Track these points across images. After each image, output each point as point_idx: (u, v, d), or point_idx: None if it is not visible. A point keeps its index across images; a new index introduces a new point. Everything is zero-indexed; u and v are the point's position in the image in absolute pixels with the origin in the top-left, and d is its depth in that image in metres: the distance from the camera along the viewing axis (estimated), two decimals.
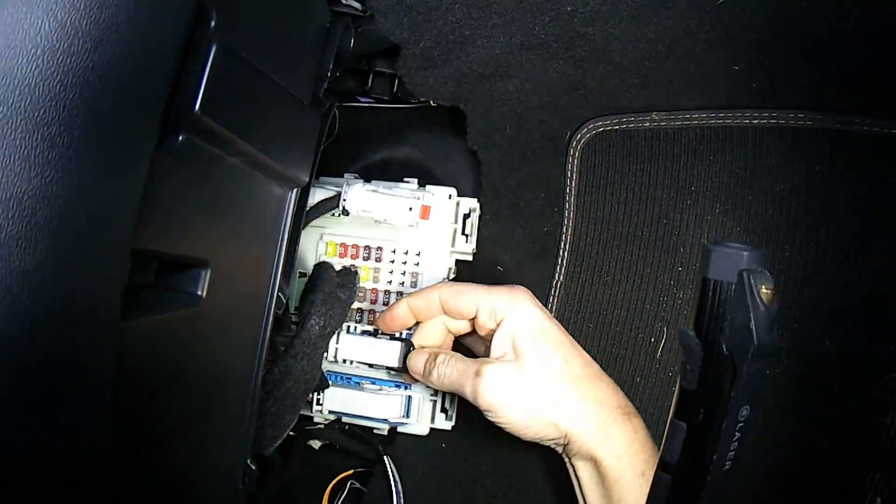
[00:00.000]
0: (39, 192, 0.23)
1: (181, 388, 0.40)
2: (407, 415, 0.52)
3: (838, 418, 0.51)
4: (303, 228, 0.52)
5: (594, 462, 0.45)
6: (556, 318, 0.57)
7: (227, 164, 0.35)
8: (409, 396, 0.53)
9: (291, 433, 0.58)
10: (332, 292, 0.48)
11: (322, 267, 0.49)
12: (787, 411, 0.52)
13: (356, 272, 0.51)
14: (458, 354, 0.49)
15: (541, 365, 0.46)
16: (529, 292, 0.49)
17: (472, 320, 0.49)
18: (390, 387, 0.54)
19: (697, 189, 0.57)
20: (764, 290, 0.28)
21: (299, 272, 0.53)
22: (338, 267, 0.51)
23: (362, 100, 0.61)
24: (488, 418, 0.46)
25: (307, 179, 0.42)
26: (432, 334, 0.51)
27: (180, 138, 0.31)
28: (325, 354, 0.52)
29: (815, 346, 0.53)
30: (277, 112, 0.38)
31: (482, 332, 0.49)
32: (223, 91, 0.32)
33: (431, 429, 0.55)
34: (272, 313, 0.44)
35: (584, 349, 0.56)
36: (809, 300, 0.53)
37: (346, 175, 0.56)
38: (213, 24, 0.30)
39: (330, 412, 0.53)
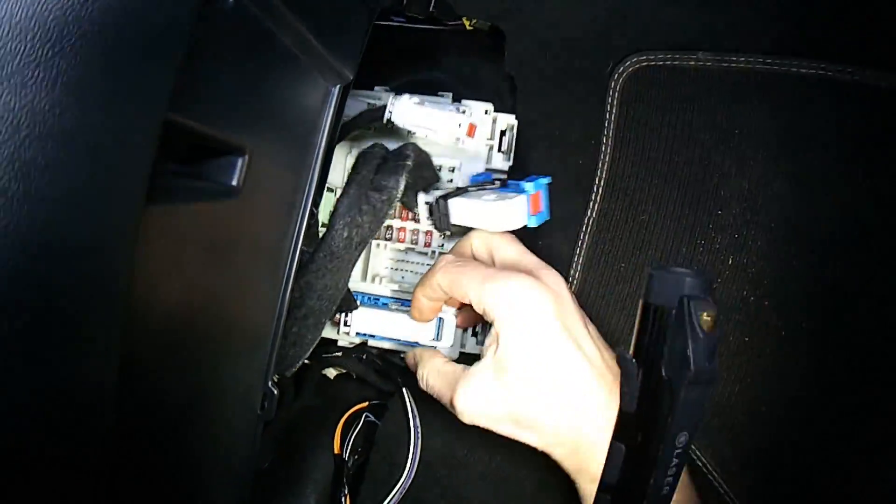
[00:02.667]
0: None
1: (203, 293, 0.37)
2: (438, 338, 0.50)
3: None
4: (346, 138, 0.49)
5: (573, 482, 0.42)
6: (586, 258, 0.55)
7: (278, 42, 0.32)
8: (441, 318, 0.50)
9: (306, 361, 0.56)
10: (363, 195, 0.44)
11: (359, 159, 0.46)
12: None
13: (402, 165, 0.45)
14: (448, 367, 0.45)
15: (520, 387, 0.40)
16: (535, 284, 0.42)
17: None
18: None
19: (741, 133, 0.55)
20: (705, 318, 0.28)
21: (326, 187, 0.50)
22: None
23: (396, 19, 0.58)
24: None
25: (351, 76, 0.38)
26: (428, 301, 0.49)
27: None
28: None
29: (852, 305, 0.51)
30: None
31: None
32: None
33: (461, 353, 0.52)
34: (305, 221, 0.41)
35: (614, 291, 0.54)
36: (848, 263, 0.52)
37: (376, 88, 0.53)
38: None
39: (358, 334, 0.51)
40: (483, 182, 0.48)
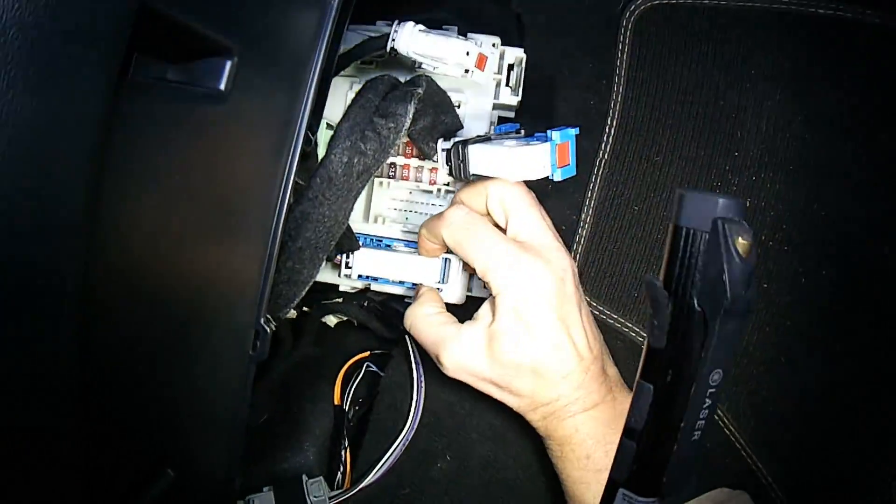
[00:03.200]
0: None
1: (184, 213, 0.34)
2: (444, 280, 0.48)
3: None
4: (346, 69, 0.46)
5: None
6: (598, 201, 0.52)
7: None
8: (447, 259, 0.48)
9: (305, 309, 0.54)
10: (368, 120, 0.41)
11: (365, 85, 0.43)
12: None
13: (411, 93, 0.42)
14: (436, 318, 0.45)
15: (506, 359, 0.42)
16: (543, 267, 0.42)
17: None
18: None
19: (757, 73, 0.53)
20: (740, 242, 0.25)
21: (326, 122, 0.48)
22: None
23: None
24: None
25: None
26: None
27: None
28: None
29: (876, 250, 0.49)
30: None
31: None
32: None
33: (468, 297, 0.50)
34: (300, 142, 0.38)
35: (627, 234, 0.52)
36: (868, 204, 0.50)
37: (378, 23, 0.50)
38: None
39: (359, 277, 0.48)
40: (508, 132, 0.46)
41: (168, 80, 0.34)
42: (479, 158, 0.42)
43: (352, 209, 0.44)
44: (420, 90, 0.42)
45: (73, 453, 0.36)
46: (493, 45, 0.48)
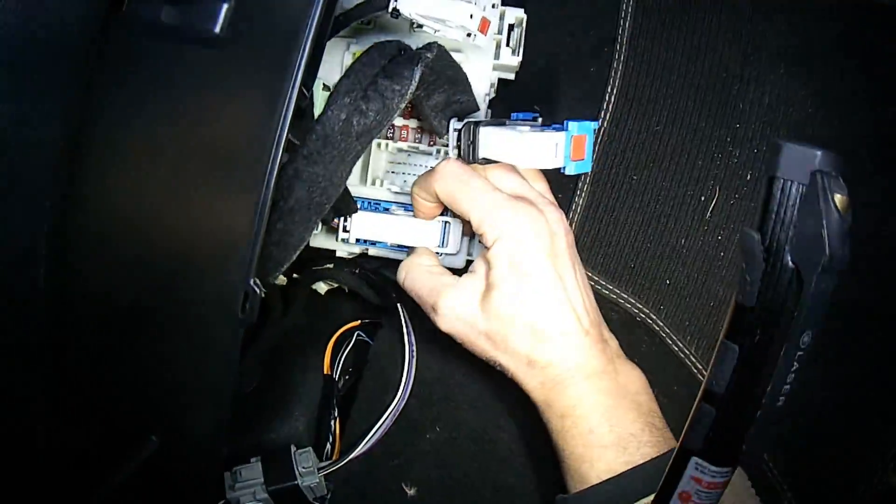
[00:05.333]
0: None
1: (170, 162, 0.33)
2: (444, 244, 0.47)
3: None
4: (343, 30, 0.45)
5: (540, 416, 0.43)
6: (596, 170, 0.51)
7: None
8: (447, 223, 0.47)
9: (295, 276, 0.52)
10: (372, 79, 0.39)
11: (371, 48, 0.41)
12: None
13: (420, 56, 0.40)
14: (433, 269, 0.45)
15: (503, 310, 0.41)
16: (539, 219, 0.41)
17: None
18: None
19: (761, 46, 0.52)
20: (839, 198, 0.24)
21: (322, 83, 0.46)
22: None
23: None
24: None
25: None
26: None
27: None
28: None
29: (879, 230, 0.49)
30: None
31: None
32: None
33: (468, 261, 0.49)
34: (294, 95, 0.37)
35: (625, 203, 0.51)
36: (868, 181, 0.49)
37: None
38: None
39: (357, 241, 0.47)
40: (525, 119, 0.44)
41: (162, 20, 0.32)
42: (489, 141, 0.41)
43: (349, 172, 0.42)
44: (430, 55, 0.40)
45: (47, 416, 0.35)
46: (493, 5, 0.47)
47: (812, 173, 0.24)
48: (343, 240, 0.47)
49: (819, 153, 0.24)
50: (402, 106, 0.40)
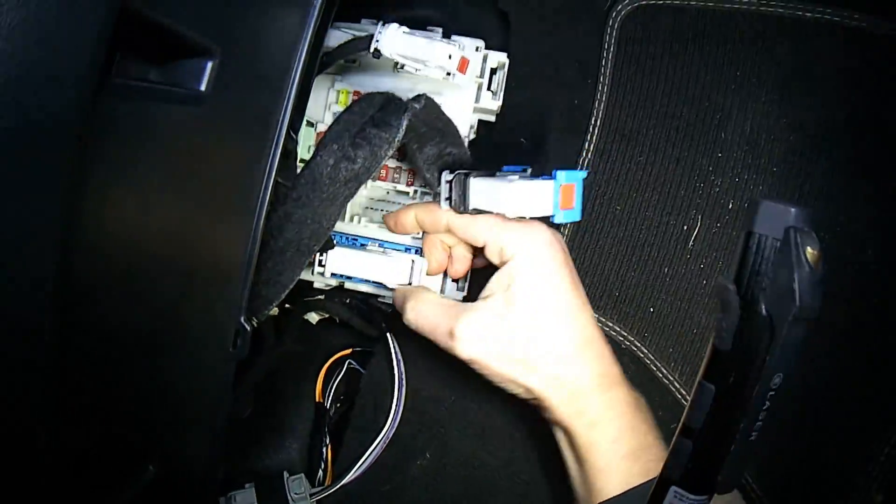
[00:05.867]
0: None
1: (164, 211, 0.34)
2: (409, 282, 0.48)
3: None
4: (328, 69, 0.46)
5: (565, 430, 0.42)
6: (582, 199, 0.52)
7: None
8: (413, 261, 0.48)
9: (287, 305, 0.54)
10: (360, 127, 0.41)
11: (361, 98, 0.42)
12: None
13: (407, 106, 0.41)
14: (441, 300, 0.45)
15: (527, 324, 0.41)
16: (550, 231, 0.43)
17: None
18: (400, 250, 0.49)
19: (743, 75, 0.53)
20: (810, 251, 0.26)
21: (306, 121, 0.48)
22: None
23: None
24: None
25: None
26: (439, 249, 0.48)
27: None
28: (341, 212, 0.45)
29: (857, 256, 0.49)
30: None
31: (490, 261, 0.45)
32: None
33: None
34: (281, 141, 0.38)
35: (609, 234, 0.52)
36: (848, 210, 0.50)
37: (363, 20, 0.50)
38: None
39: (333, 275, 0.48)
40: (514, 171, 0.46)
41: (150, 80, 0.34)
42: (479, 191, 0.42)
43: (338, 215, 0.43)
44: (418, 105, 0.41)
45: (50, 448, 0.36)
46: (477, 48, 0.48)
47: (786, 229, 0.26)
48: (319, 273, 0.48)
49: (793, 210, 0.26)
50: (390, 153, 0.41)
